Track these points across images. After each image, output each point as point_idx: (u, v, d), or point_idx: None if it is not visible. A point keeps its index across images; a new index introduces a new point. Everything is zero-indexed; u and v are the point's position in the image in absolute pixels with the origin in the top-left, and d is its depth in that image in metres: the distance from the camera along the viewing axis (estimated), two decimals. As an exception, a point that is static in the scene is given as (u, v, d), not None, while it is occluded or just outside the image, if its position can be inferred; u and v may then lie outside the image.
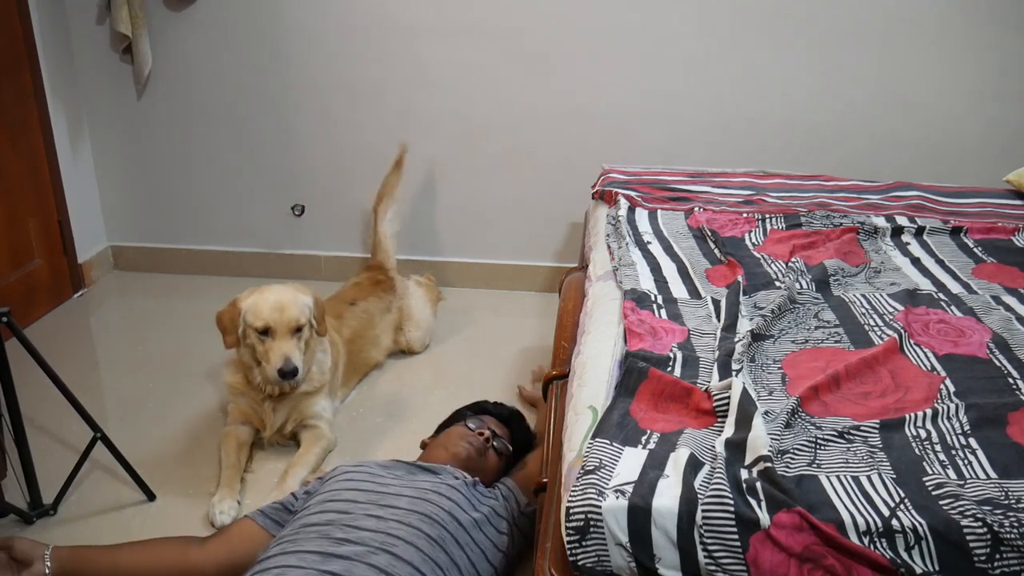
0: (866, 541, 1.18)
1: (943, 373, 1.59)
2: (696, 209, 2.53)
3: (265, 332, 2.24)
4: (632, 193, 2.63)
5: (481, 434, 2.03)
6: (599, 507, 1.22)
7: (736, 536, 1.19)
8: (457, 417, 2.20)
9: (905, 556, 1.17)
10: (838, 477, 1.29)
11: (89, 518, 2.09)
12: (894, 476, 1.29)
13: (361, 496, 1.72)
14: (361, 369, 2.77)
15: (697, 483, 1.25)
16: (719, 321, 1.83)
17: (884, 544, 1.18)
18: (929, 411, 1.44)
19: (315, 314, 2.33)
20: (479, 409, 2.22)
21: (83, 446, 2.11)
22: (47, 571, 1.72)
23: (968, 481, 1.28)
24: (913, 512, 1.20)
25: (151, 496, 2.17)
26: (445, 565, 1.60)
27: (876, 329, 1.77)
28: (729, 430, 1.38)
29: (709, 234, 2.33)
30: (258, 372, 2.31)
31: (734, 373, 1.55)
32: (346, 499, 1.72)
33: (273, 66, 3.28)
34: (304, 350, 2.28)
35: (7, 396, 1.96)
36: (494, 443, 2.05)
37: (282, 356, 2.22)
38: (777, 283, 2.03)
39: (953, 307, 1.88)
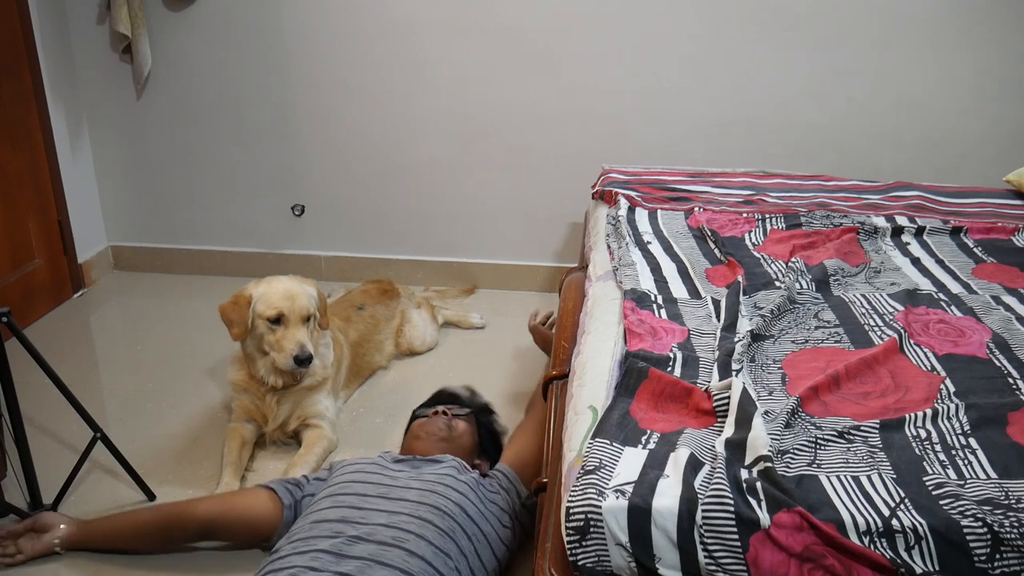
0: (866, 541, 1.18)
1: (943, 373, 1.59)
2: (696, 209, 2.53)
3: (277, 321, 2.27)
4: (632, 193, 2.64)
5: (435, 412, 2.08)
6: (599, 507, 1.22)
7: (736, 536, 1.19)
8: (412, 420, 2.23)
9: (905, 556, 1.17)
10: (838, 477, 1.29)
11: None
12: (894, 476, 1.29)
13: (371, 489, 1.74)
14: (364, 373, 2.78)
15: (697, 483, 1.25)
16: (719, 321, 1.83)
17: (884, 544, 1.18)
18: (929, 411, 1.44)
19: (319, 306, 2.36)
20: (426, 404, 2.25)
21: (83, 446, 2.11)
22: (59, 532, 1.94)
23: (968, 481, 1.28)
24: (913, 512, 1.20)
25: (151, 496, 2.17)
26: (455, 556, 1.61)
27: (876, 329, 1.77)
28: (729, 430, 1.38)
29: (709, 234, 2.33)
30: (261, 365, 2.32)
31: (734, 373, 1.55)
32: (356, 492, 1.73)
33: (273, 66, 3.28)
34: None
35: (7, 396, 1.97)
36: (447, 411, 2.09)
37: (297, 343, 2.24)
38: (777, 283, 2.03)
39: (953, 307, 1.88)
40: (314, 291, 2.36)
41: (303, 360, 2.25)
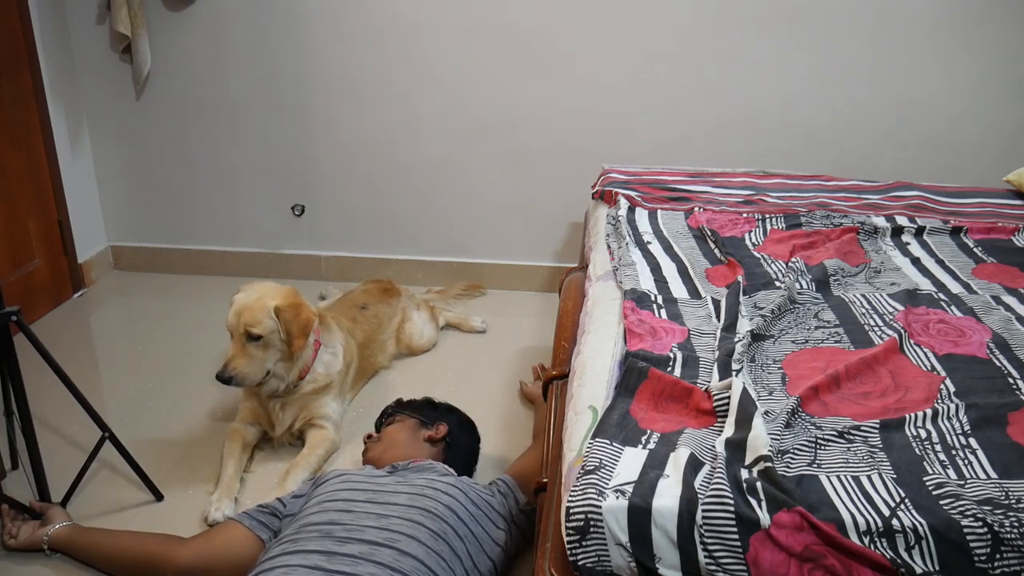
0: (866, 541, 1.18)
1: (943, 373, 1.59)
2: (696, 209, 2.53)
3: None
4: (632, 193, 2.64)
5: (365, 442, 2.18)
6: (599, 507, 1.23)
7: (736, 536, 1.19)
8: None
9: (905, 556, 1.17)
10: (838, 477, 1.29)
11: (97, 517, 2.09)
12: (894, 476, 1.29)
13: (359, 495, 1.74)
14: (367, 373, 2.79)
15: (697, 483, 1.25)
16: (719, 321, 1.83)
17: (884, 544, 1.18)
18: (929, 411, 1.44)
19: (282, 326, 2.23)
20: None
21: (88, 444, 2.12)
22: (48, 534, 1.95)
23: (968, 481, 1.28)
24: (913, 512, 1.21)
25: (159, 496, 2.17)
26: (448, 558, 1.61)
27: (876, 329, 1.77)
28: (729, 430, 1.38)
29: (709, 234, 2.33)
30: None
31: (734, 373, 1.55)
32: (344, 498, 1.73)
33: (273, 66, 3.28)
34: (266, 358, 2.25)
35: (17, 394, 1.97)
36: (369, 436, 2.18)
37: (225, 360, 2.22)
38: (777, 283, 2.03)
39: (953, 307, 1.88)
40: (272, 305, 2.22)
41: (223, 379, 2.20)
